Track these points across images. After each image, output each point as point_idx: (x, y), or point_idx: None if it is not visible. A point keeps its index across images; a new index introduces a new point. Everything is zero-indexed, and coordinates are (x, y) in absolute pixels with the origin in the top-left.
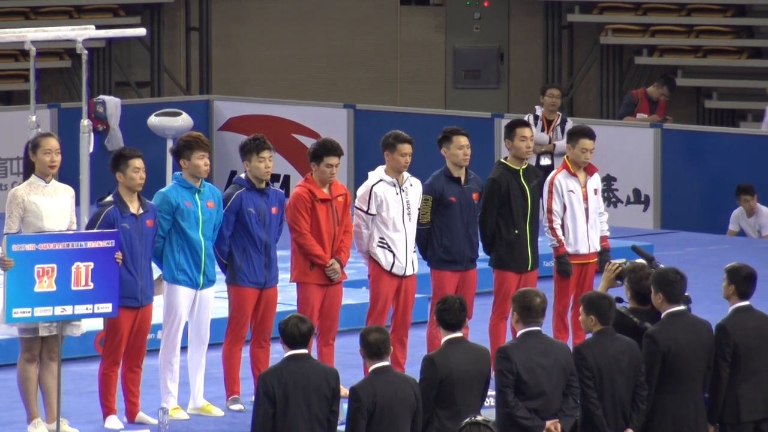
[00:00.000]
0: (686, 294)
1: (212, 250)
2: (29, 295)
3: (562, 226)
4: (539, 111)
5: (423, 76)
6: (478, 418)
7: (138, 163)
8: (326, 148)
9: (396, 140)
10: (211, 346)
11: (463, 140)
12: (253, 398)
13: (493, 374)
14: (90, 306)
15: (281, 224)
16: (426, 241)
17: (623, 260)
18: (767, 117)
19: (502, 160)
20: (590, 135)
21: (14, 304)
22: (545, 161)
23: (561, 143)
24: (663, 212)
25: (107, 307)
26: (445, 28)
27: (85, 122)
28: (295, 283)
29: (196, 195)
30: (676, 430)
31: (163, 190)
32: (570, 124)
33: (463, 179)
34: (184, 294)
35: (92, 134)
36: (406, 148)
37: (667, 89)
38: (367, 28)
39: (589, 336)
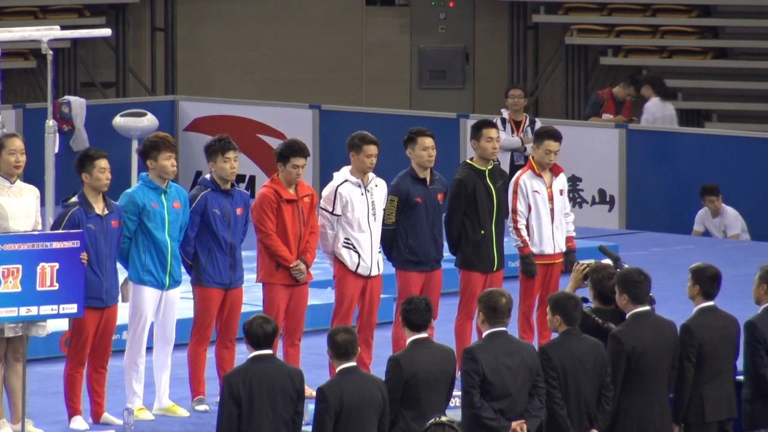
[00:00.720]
0: (650, 294)
1: (178, 251)
2: None
3: (527, 227)
4: (506, 114)
5: (388, 76)
6: (443, 418)
7: (104, 163)
8: (293, 149)
9: (362, 141)
10: (177, 346)
11: (428, 141)
12: (218, 399)
13: (458, 375)
14: (55, 307)
15: (246, 225)
16: (391, 241)
17: (592, 261)
18: (645, 113)
19: (468, 160)
20: (555, 136)
21: None
22: (520, 161)
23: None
24: (628, 213)
25: (72, 308)
26: (411, 29)
27: (51, 123)
28: (260, 284)
29: (162, 196)
30: (640, 430)
31: (129, 190)
32: (539, 124)
33: (428, 180)
34: (149, 295)
35: (57, 135)
36: (372, 149)
37: (634, 89)
38: (332, 29)
39: (554, 336)
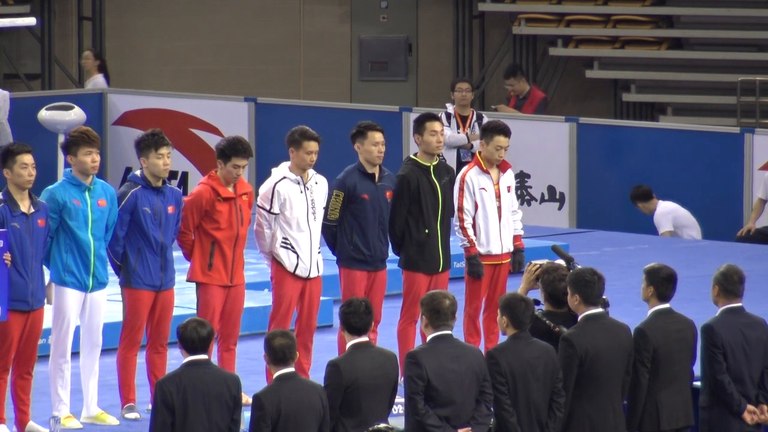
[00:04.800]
0: (604, 297)
1: (103, 251)
2: None
3: (474, 226)
4: (451, 108)
5: (327, 68)
6: (381, 425)
7: (26, 159)
8: (235, 149)
9: (302, 137)
10: (106, 351)
11: (378, 136)
12: (149, 406)
13: (401, 380)
14: None
15: (178, 224)
16: (334, 238)
17: (545, 260)
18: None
19: (412, 156)
20: (506, 132)
21: None
22: (467, 158)
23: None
24: (579, 210)
25: None
26: (351, 18)
27: None
28: (193, 286)
29: (86, 193)
30: None
31: (50, 187)
32: (486, 119)
33: (377, 176)
34: (72, 297)
35: None
36: (313, 145)
37: (513, 78)
38: (269, 18)
39: (503, 340)
